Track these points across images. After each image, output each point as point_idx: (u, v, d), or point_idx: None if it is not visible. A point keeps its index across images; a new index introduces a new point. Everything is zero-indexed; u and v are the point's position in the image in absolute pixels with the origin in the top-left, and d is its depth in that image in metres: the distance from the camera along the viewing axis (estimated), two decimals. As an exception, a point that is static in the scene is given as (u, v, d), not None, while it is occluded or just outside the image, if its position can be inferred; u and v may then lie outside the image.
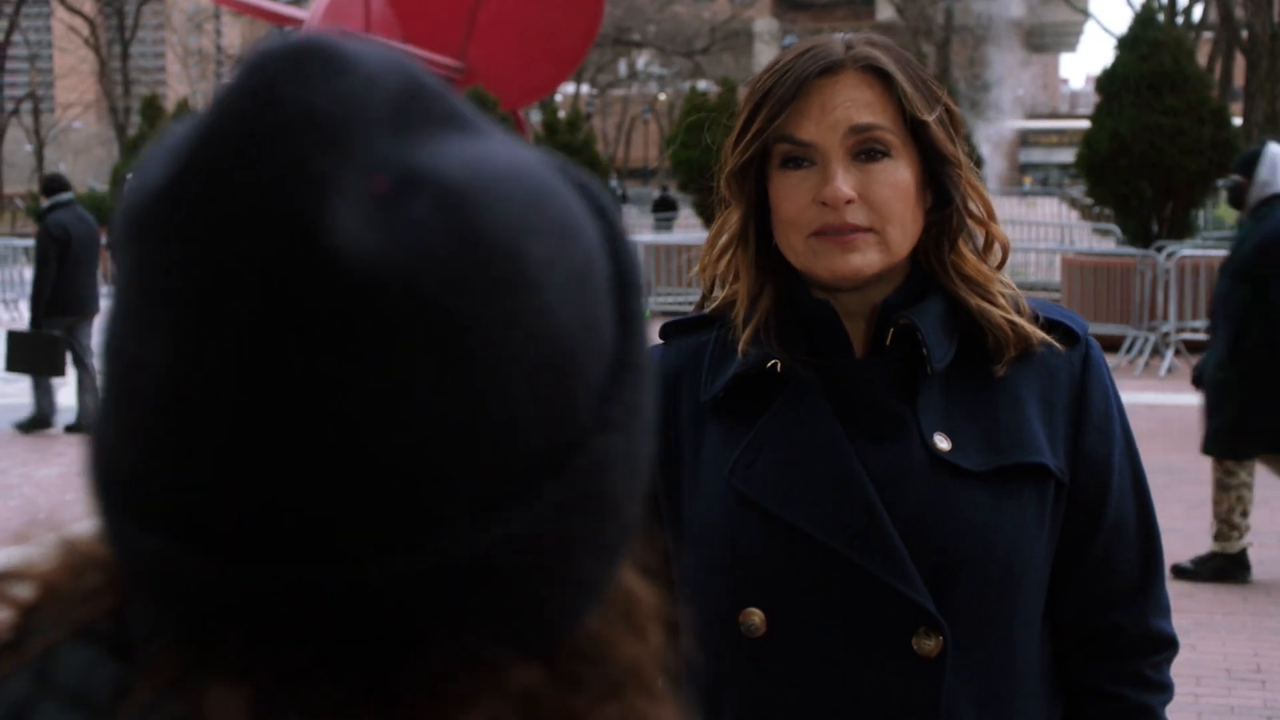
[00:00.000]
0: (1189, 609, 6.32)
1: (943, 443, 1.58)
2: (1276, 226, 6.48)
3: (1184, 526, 7.71)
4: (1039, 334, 1.63)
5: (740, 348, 1.63)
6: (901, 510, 1.57)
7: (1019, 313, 1.64)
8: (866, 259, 1.58)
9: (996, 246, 1.70)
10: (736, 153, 1.62)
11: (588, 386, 0.56)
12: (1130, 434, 1.70)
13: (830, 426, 1.60)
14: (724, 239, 1.68)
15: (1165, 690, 1.71)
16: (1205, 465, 9.06)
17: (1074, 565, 1.66)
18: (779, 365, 1.62)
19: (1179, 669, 5.55)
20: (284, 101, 0.52)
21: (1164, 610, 1.72)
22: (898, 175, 1.58)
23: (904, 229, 1.59)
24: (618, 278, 0.59)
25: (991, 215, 1.68)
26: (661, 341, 1.75)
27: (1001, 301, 1.63)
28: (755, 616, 1.60)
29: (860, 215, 1.57)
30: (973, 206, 1.65)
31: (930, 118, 1.59)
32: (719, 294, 1.71)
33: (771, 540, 1.59)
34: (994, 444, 1.60)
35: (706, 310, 1.72)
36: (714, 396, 1.65)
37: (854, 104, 1.58)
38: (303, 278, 0.51)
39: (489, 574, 0.54)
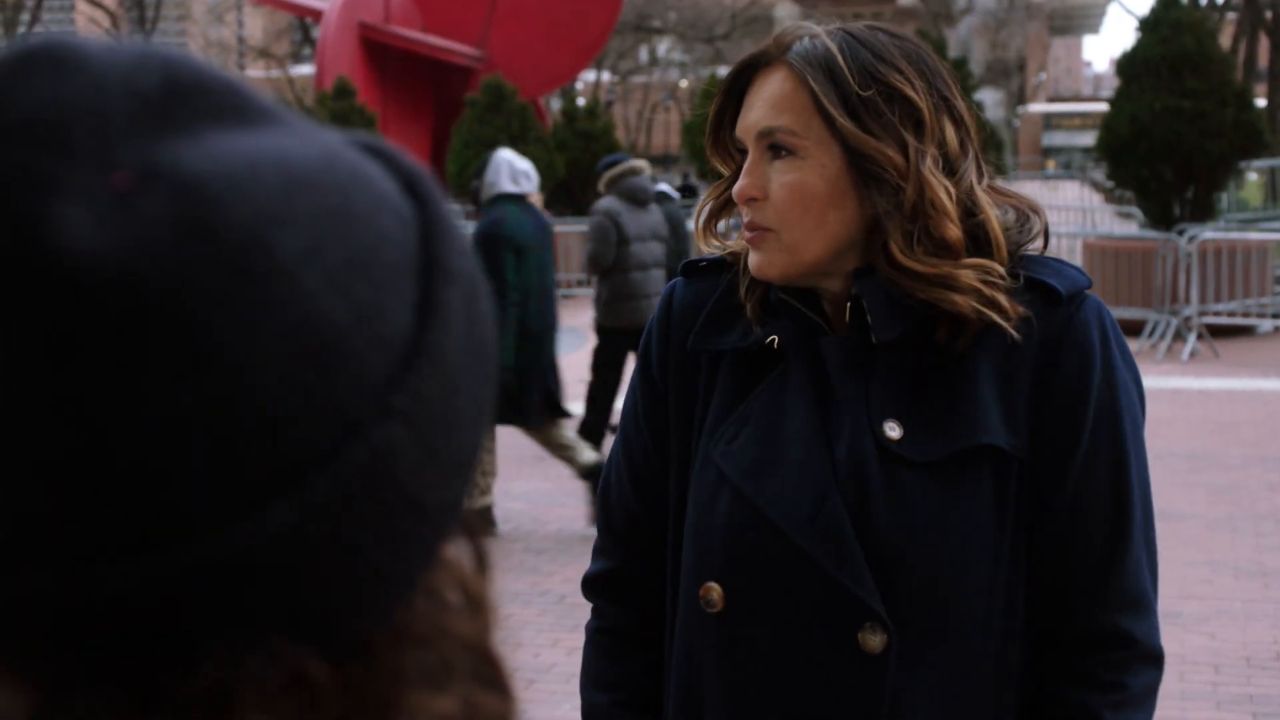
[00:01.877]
0: (1208, 596, 6.28)
1: (892, 431, 1.56)
2: (484, 225, 7.35)
3: (1206, 513, 7.67)
4: (1015, 311, 1.53)
5: (751, 313, 1.65)
6: (851, 500, 1.55)
7: (1002, 280, 1.54)
8: (768, 260, 1.59)
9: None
10: (707, 133, 1.69)
11: (364, 376, 0.54)
12: (1119, 408, 1.58)
13: (804, 407, 1.59)
14: (707, 210, 1.73)
15: (1119, 690, 1.57)
16: (1230, 450, 9.03)
17: (1031, 548, 1.58)
18: (775, 342, 1.62)
19: (1197, 656, 5.55)
20: (6, 107, 0.52)
21: (1129, 604, 1.59)
22: (798, 176, 1.56)
23: (807, 232, 1.56)
24: (425, 265, 0.58)
25: (946, 212, 1.53)
26: (682, 278, 1.76)
27: (966, 282, 1.52)
28: (714, 592, 1.61)
29: (761, 214, 1.59)
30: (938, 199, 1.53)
31: (836, 110, 1.53)
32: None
33: (735, 517, 1.59)
34: (946, 428, 1.55)
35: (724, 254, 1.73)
36: (716, 357, 1.67)
37: (768, 104, 1.58)
38: (26, 281, 0.50)
39: (256, 571, 0.53)
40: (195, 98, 0.55)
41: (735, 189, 1.60)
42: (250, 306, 0.52)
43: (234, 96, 0.57)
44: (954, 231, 1.54)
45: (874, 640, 1.54)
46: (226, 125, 0.55)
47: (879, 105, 1.54)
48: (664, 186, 10.09)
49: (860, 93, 1.54)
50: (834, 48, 1.56)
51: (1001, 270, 1.56)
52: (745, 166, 1.59)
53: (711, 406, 1.65)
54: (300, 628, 0.55)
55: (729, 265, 1.70)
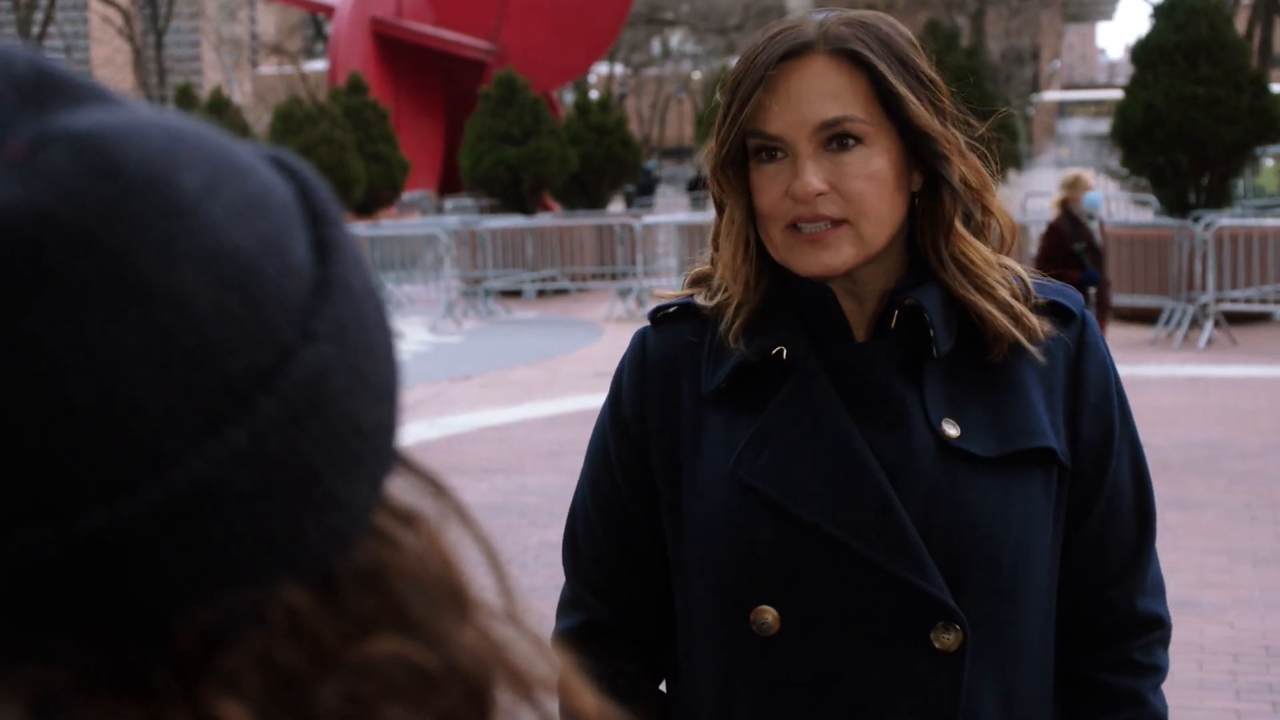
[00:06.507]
0: (1227, 585, 6.25)
1: (951, 429, 1.56)
2: None
3: (1225, 501, 7.64)
4: (1042, 326, 1.60)
5: (732, 335, 1.60)
6: (912, 500, 1.54)
7: (1021, 297, 1.61)
8: (840, 255, 1.54)
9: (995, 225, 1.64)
10: (715, 148, 1.58)
11: (286, 302, 0.57)
12: (1128, 412, 1.68)
13: (839, 415, 1.57)
14: (726, 238, 1.62)
15: (1156, 673, 1.68)
16: (1247, 439, 8.99)
17: (1068, 548, 1.64)
18: (784, 353, 1.58)
19: (1216, 646, 5.52)
20: None
21: (1152, 589, 1.69)
22: (871, 164, 1.54)
23: (879, 219, 1.55)
24: (310, 214, 0.61)
25: (988, 188, 1.62)
26: (650, 324, 1.71)
27: (1001, 293, 1.59)
28: (768, 615, 1.57)
29: (832, 206, 1.53)
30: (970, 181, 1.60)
31: (908, 94, 1.54)
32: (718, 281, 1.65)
33: (782, 535, 1.55)
34: (1001, 430, 1.57)
35: (704, 299, 1.67)
36: (716, 387, 1.62)
37: (820, 95, 1.53)
38: None
39: (223, 498, 0.54)
40: (66, 85, 0.58)
41: (799, 187, 1.52)
42: (167, 237, 0.53)
43: (98, 86, 0.59)
44: (996, 203, 1.62)
45: (948, 638, 1.54)
46: (100, 104, 0.58)
47: (930, 87, 1.57)
48: None
49: (919, 75, 1.56)
50: (882, 33, 1.57)
51: (1018, 268, 1.63)
52: (800, 163, 1.53)
53: (708, 434, 1.61)
54: (269, 564, 0.56)
55: (696, 310, 1.67)
